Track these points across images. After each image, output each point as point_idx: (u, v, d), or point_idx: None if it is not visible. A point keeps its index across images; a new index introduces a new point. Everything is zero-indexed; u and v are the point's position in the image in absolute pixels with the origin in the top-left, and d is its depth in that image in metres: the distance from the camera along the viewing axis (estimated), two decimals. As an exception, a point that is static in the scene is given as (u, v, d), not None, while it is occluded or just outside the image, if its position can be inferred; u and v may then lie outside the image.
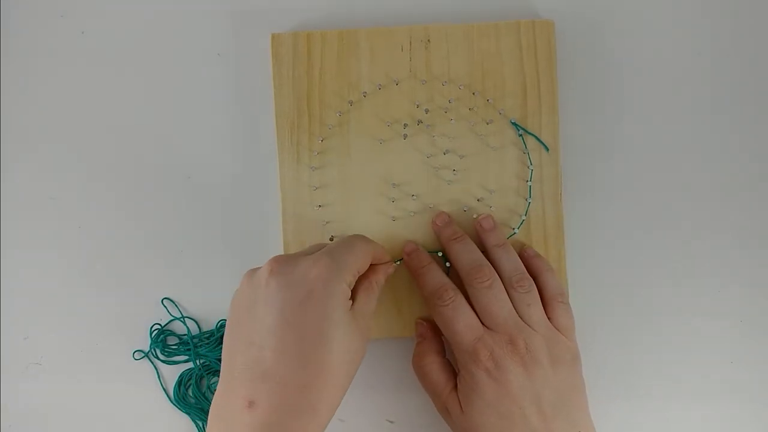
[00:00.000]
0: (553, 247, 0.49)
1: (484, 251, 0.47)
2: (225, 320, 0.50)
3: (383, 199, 0.49)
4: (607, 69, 0.51)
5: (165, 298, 0.50)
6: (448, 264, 0.48)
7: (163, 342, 0.50)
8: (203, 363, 0.50)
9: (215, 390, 0.49)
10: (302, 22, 0.50)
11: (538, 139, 0.49)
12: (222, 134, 0.50)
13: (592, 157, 0.50)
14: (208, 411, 0.49)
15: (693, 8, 0.51)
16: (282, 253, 0.48)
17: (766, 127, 0.50)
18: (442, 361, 0.46)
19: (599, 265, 0.50)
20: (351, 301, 0.40)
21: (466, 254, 0.46)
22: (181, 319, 0.50)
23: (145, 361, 0.50)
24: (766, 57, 0.51)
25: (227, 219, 0.50)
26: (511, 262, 0.46)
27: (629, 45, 0.51)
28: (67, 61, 0.51)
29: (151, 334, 0.50)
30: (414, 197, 0.49)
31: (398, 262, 0.48)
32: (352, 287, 0.40)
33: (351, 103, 0.49)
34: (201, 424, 0.49)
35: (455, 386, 0.45)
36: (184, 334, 0.50)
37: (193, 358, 0.49)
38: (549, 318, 0.45)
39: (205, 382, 0.50)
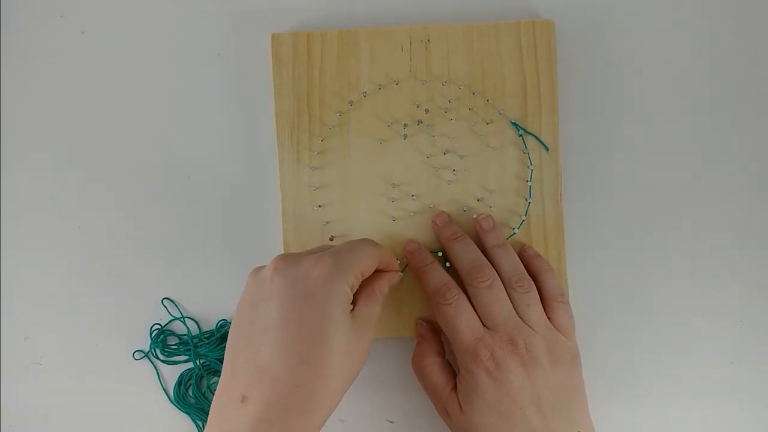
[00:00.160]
0: (553, 247, 0.49)
1: (484, 251, 0.47)
2: (225, 320, 0.50)
3: (383, 199, 0.49)
4: (607, 69, 0.51)
5: (165, 298, 0.50)
6: (448, 264, 0.48)
7: (163, 342, 0.50)
8: (203, 363, 0.50)
9: (216, 389, 0.49)
10: (302, 22, 0.50)
11: (538, 139, 0.49)
12: (222, 134, 0.50)
13: (592, 157, 0.50)
14: (208, 411, 0.49)
15: (693, 8, 0.51)
16: (282, 252, 0.48)
17: (766, 127, 0.50)
18: (441, 362, 0.46)
19: (599, 265, 0.50)
20: (352, 305, 0.40)
21: (466, 254, 0.46)
22: (181, 319, 0.50)
23: (145, 361, 0.50)
24: (766, 57, 0.51)
25: (227, 219, 0.50)
26: (510, 263, 0.46)
27: (629, 45, 0.51)
28: (67, 61, 0.51)
29: (151, 334, 0.50)
30: (414, 197, 0.49)
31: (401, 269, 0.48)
32: (354, 290, 0.40)
33: (351, 103, 0.49)
34: (201, 424, 0.49)
35: (455, 386, 0.45)
36: (184, 334, 0.50)
37: (193, 358, 0.49)
38: (549, 318, 0.45)
39: (205, 382, 0.50)
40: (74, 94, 0.51)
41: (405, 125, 0.49)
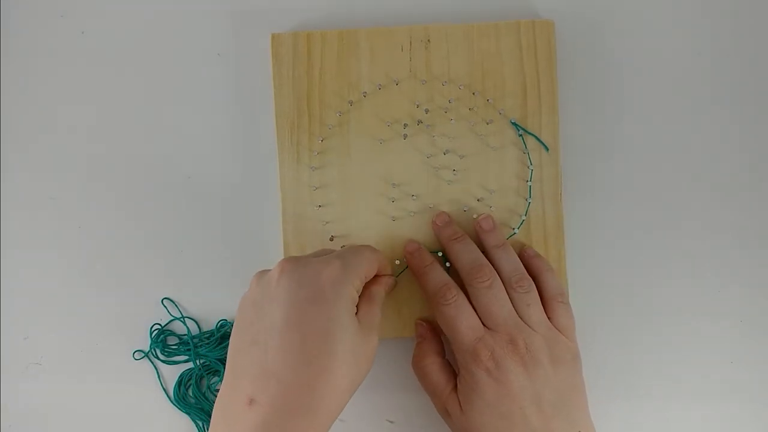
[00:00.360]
0: (553, 247, 0.49)
1: (484, 252, 0.47)
2: (225, 320, 0.50)
3: (383, 199, 0.49)
4: (607, 69, 0.51)
5: (165, 298, 0.50)
6: (447, 264, 0.48)
7: (163, 342, 0.50)
8: (203, 363, 0.50)
9: (216, 389, 0.49)
10: (302, 22, 0.50)
11: (538, 139, 0.49)
12: (222, 134, 0.50)
13: (592, 157, 0.50)
14: (208, 411, 0.49)
15: (693, 8, 0.51)
16: (282, 253, 0.48)
17: (766, 127, 0.50)
18: (442, 362, 0.46)
19: (599, 265, 0.50)
20: (356, 308, 0.40)
21: (466, 254, 0.46)
22: (181, 319, 0.50)
23: (145, 361, 0.50)
24: (766, 57, 0.51)
25: (227, 219, 0.50)
26: (510, 263, 0.46)
27: (629, 45, 0.51)
28: (67, 61, 0.51)
29: (151, 334, 0.50)
30: (414, 197, 0.49)
31: (398, 263, 0.48)
32: (359, 292, 0.40)
33: (351, 103, 0.49)
34: (201, 424, 0.49)
35: (455, 386, 0.45)
36: (184, 334, 0.50)
37: (193, 358, 0.49)
38: (549, 318, 0.45)
39: (205, 382, 0.50)
40: (74, 94, 0.51)
41: (405, 125, 0.49)
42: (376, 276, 0.43)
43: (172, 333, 0.50)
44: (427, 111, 0.49)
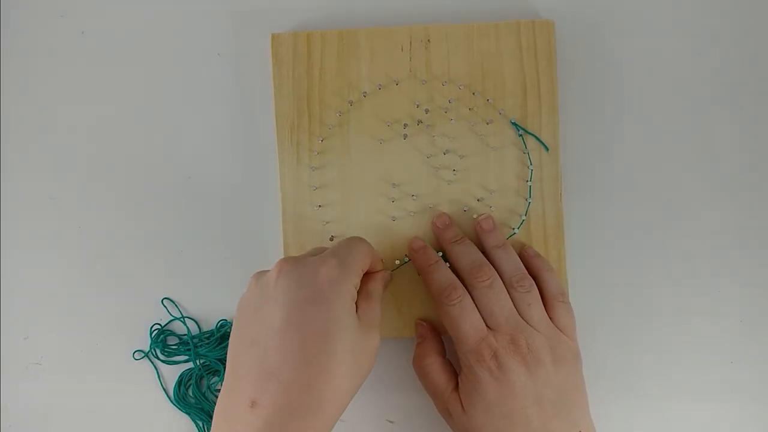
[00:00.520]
0: (553, 247, 0.49)
1: (484, 252, 0.47)
2: (225, 320, 0.50)
3: (383, 199, 0.49)
4: (607, 69, 0.51)
5: (165, 298, 0.50)
6: (448, 265, 0.47)
7: (163, 342, 0.50)
8: (203, 363, 0.50)
9: (216, 389, 0.49)
10: (302, 22, 0.50)
11: (538, 139, 0.49)
12: (222, 134, 0.50)
13: (592, 157, 0.50)
14: (208, 411, 0.49)
15: (693, 8, 0.51)
16: (282, 253, 0.48)
17: (766, 127, 0.50)
18: (442, 362, 0.46)
19: (599, 265, 0.50)
20: (356, 306, 0.40)
21: (467, 255, 0.46)
22: (181, 319, 0.50)
23: (145, 361, 0.50)
24: (766, 57, 0.51)
25: (227, 219, 0.50)
26: (511, 263, 0.46)
27: (629, 45, 0.51)
28: (67, 61, 0.51)
29: (151, 334, 0.50)
30: (414, 197, 0.49)
31: (398, 264, 0.48)
32: (357, 288, 0.40)
33: (351, 103, 0.49)
34: (201, 424, 0.49)
35: (456, 386, 0.45)
36: (184, 334, 0.50)
37: (193, 358, 0.49)
38: (550, 317, 0.45)
39: (205, 382, 0.50)
40: (74, 94, 0.51)
41: (405, 125, 0.49)
42: (373, 273, 0.43)
43: (172, 333, 0.50)
44: (427, 111, 0.49)
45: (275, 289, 0.38)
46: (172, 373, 0.50)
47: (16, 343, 0.50)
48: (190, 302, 0.50)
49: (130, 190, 0.50)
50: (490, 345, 0.43)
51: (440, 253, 0.48)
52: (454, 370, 0.46)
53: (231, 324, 0.50)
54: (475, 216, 0.49)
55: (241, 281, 0.42)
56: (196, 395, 0.49)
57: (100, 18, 0.51)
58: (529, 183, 0.48)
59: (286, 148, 0.49)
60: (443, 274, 0.46)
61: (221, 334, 0.49)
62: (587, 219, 0.50)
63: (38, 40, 0.51)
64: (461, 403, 0.44)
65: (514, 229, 0.49)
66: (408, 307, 0.48)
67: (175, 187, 0.50)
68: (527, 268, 0.46)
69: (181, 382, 0.49)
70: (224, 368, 0.49)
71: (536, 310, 0.45)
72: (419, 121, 0.49)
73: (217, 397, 0.49)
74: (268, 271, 0.40)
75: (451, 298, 0.44)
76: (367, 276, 0.43)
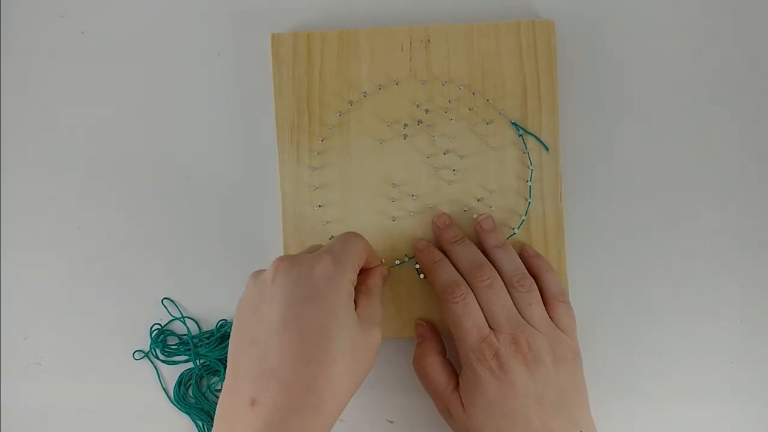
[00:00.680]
0: (553, 247, 0.49)
1: (485, 252, 0.47)
2: (225, 320, 0.50)
3: (383, 199, 0.49)
4: (607, 69, 0.51)
5: (165, 298, 0.50)
6: (448, 264, 0.48)
7: (163, 342, 0.50)
8: (203, 363, 0.50)
9: (216, 389, 0.49)
10: (302, 22, 0.50)
11: (538, 139, 0.49)
12: (222, 134, 0.50)
13: (592, 157, 0.50)
14: (208, 411, 0.49)
15: (693, 8, 0.51)
16: (282, 252, 0.48)
17: (766, 127, 0.50)
18: (443, 362, 0.46)
19: (599, 265, 0.50)
20: (354, 303, 0.40)
21: (467, 255, 0.46)
22: (181, 319, 0.50)
23: (145, 361, 0.50)
24: (766, 57, 0.51)
25: (227, 219, 0.50)
26: (511, 263, 0.46)
27: (629, 45, 0.51)
28: (67, 61, 0.51)
29: (151, 334, 0.50)
30: (414, 197, 0.49)
31: (398, 264, 0.48)
32: (354, 284, 0.40)
33: (351, 103, 0.49)
34: (201, 424, 0.49)
35: (456, 386, 0.45)
36: (184, 334, 0.50)
37: (193, 358, 0.49)
38: (550, 317, 0.45)
39: (205, 382, 0.50)
40: (74, 94, 0.51)
41: (405, 125, 0.49)
42: (370, 269, 0.43)
43: (172, 333, 0.50)
44: (427, 111, 0.49)
45: (272, 288, 0.38)
46: (172, 373, 0.50)
47: (16, 343, 0.50)
48: (190, 302, 0.50)
49: (130, 190, 0.50)
50: (492, 344, 0.43)
51: (440, 253, 0.48)
52: (455, 370, 0.46)
53: (231, 324, 0.50)
54: (475, 216, 0.49)
55: (241, 281, 0.42)
56: (196, 395, 0.49)
57: (100, 18, 0.51)
58: (529, 183, 0.48)
59: (286, 148, 0.49)
60: (447, 271, 0.46)
61: (221, 334, 0.49)
62: (587, 219, 0.50)
63: (38, 40, 0.51)
64: (461, 402, 0.44)
65: (514, 229, 0.49)
66: (408, 307, 0.48)
67: (175, 187, 0.50)
68: (527, 268, 0.46)
69: (181, 382, 0.49)
70: (224, 368, 0.49)
71: (537, 310, 0.45)
72: (419, 121, 0.49)
73: (217, 397, 0.49)
74: (265, 270, 0.40)
75: (454, 295, 0.44)
76: (365, 272, 0.43)
